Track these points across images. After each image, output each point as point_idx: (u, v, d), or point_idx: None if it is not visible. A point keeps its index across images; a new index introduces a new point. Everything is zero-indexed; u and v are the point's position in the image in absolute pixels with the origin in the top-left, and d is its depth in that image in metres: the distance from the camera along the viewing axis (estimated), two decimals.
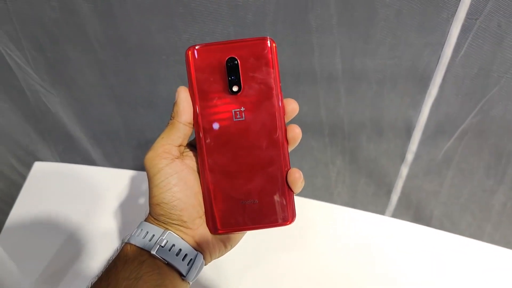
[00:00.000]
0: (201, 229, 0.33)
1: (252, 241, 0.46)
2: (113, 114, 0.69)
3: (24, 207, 0.62)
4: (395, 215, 0.75)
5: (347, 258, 0.56)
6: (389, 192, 0.72)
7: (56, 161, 0.76)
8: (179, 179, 0.32)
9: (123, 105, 0.67)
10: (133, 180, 0.65)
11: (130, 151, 0.75)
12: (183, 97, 0.33)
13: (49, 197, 0.63)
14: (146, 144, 0.73)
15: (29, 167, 0.67)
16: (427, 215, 0.75)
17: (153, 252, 0.30)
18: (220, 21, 0.54)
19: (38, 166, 0.67)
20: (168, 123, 0.33)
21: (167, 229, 0.32)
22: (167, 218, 0.32)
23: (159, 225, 0.32)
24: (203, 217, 0.33)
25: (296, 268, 0.55)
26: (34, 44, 0.59)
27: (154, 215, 0.33)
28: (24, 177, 0.67)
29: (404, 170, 0.68)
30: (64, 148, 0.75)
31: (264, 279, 0.54)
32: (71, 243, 0.58)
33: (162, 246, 0.31)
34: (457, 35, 0.51)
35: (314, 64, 0.58)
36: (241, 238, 0.35)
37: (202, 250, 0.33)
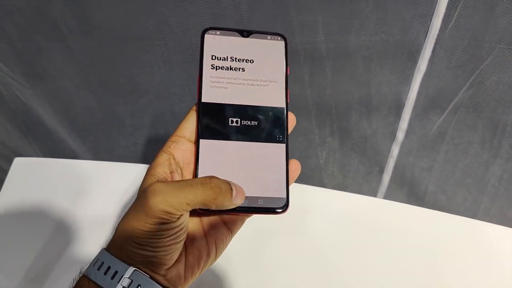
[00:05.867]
0: (174, 267, 0.30)
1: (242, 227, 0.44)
2: (92, 104, 0.66)
3: (5, 205, 0.60)
4: (388, 193, 0.73)
5: (340, 242, 0.55)
6: (381, 172, 0.71)
7: (37, 155, 0.74)
8: (186, 230, 0.29)
9: (102, 94, 0.65)
10: (116, 172, 0.63)
11: (112, 142, 0.73)
12: None
13: (31, 194, 0.62)
14: (128, 134, 0.71)
15: (9, 163, 0.65)
16: (421, 191, 0.74)
17: None
18: (194, 3, 0.50)
19: (18, 161, 0.65)
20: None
21: (133, 264, 0.28)
22: (145, 259, 0.28)
23: (123, 258, 0.28)
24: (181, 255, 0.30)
25: (290, 253, 0.54)
26: (1, 35, 0.56)
27: (131, 255, 0.28)
28: (4, 173, 0.65)
29: (395, 149, 0.66)
30: (44, 142, 0.72)
31: (257, 265, 0.53)
32: (56, 239, 0.57)
33: (125, 287, 0.27)
34: (446, 5, 0.49)
35: (296, 45, 0.55)
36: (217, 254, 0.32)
37: (174, 283, 0.30)
